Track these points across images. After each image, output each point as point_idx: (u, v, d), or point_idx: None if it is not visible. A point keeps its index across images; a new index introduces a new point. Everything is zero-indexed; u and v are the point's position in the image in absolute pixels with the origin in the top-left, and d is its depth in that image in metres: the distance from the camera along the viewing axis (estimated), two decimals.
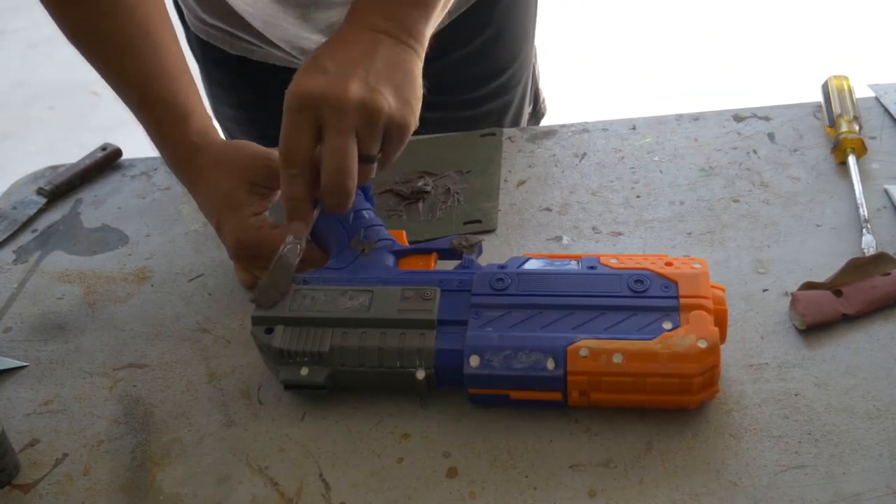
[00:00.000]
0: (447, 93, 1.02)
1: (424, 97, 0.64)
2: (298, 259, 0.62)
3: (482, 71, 1.00)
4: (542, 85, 1.12)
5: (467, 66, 0.98)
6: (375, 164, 0.62)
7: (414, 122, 0.64)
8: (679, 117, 0.87)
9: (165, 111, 0.72)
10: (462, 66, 0.98)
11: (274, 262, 0.61)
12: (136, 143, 1.10)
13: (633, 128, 0.87)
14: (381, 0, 0.64)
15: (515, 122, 1.05)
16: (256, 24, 0.89)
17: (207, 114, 0.74)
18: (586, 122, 0.87)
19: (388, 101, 0.60)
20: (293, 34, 0.88)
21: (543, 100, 1.13)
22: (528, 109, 1.10)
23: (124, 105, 0.74)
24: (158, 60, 0.72)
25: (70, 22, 0.73)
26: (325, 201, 0.62)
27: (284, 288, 0.61)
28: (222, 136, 1.09)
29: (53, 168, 0.94)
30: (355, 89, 0.58)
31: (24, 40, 3.72)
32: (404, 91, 0.62)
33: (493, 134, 0.88)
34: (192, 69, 0.77)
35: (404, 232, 0.69)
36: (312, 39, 0.88)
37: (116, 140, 0.97)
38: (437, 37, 0.95)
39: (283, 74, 0.95)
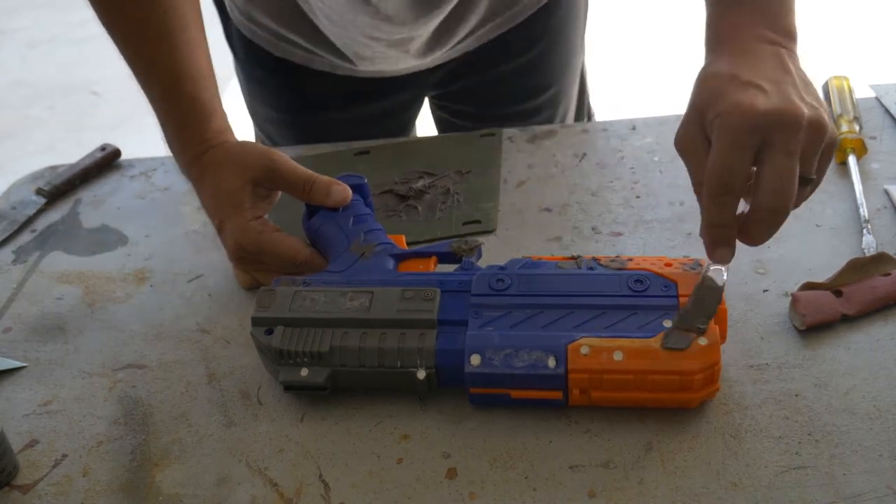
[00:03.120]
0: (495, 106, 1.01)
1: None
2: (724, 284, 0.56)
3: (529, 85, 1.00)
4: (591, 101, 1.11)
5: (517, 78, 0.98)
6: (809, 187, 0.57)
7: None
8: (679, 117, 0.87)
9: (191, 108, 0.72)
10: (510, 79, 0.98)
11: (699, 285, 0.56)
12: (136, 144, 1.11)
13: (633, 128, 0.87)
14: (763, 12, 0.62)
15: None
16: (321, 21, 0.88)
17: (226, 114, 0.74)
18: (586, 123, 0.87)
19: (826, 119, 0.56)
20: (357, 35, 0.88)
21: (593, 115, 1.13)
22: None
23: (143, 94, 0.73)
24: (192, 57, 0.72)
25: (108, 5, 0.72)
26: (752, 229, 0.56)
27: (712, 310, 0.55)
28: (255, 135, 1.08)
29: (53, 168, 0.94)
30: (804, 108, 0.54)
31: (24, 40, 3.72)
32: (824, 106, 0.57)
33: (493, 134, 0.88)
34: (226, 61, 0.74)
35: (404, 236, 0.69)
36: (374, 41, 0.88)
37: (116, 140, 0.97)
38: (487, 48, 0.94)
39: (324, 80, 0.95)
